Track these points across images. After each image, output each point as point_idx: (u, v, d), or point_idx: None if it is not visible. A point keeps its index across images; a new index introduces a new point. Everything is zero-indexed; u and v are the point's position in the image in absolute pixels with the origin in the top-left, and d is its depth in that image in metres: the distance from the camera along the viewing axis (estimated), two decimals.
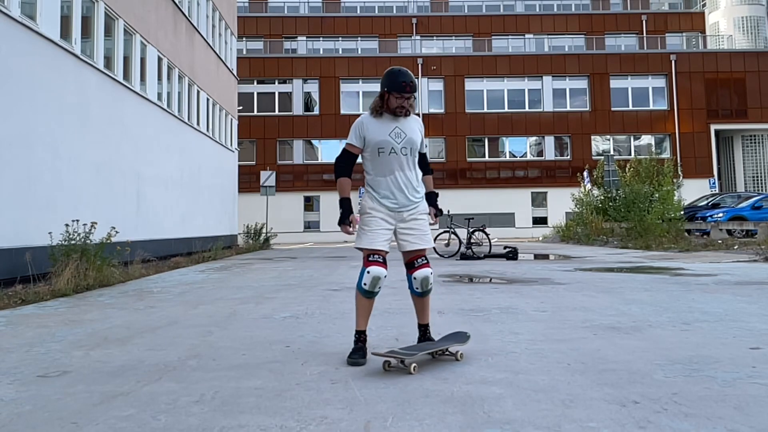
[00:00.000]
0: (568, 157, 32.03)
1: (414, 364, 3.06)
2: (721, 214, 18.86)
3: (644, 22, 35.33)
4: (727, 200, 21.45)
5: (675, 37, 35.53)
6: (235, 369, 3.18)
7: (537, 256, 14.02)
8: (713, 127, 31.78)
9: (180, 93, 15.84)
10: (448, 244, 13.41)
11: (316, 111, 32.24)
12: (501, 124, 31.99)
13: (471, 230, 13.31)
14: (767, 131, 32.41)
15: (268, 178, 22.07)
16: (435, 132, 31.10)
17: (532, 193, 32.03)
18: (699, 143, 31.61)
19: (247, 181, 27.30)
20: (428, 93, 32.07)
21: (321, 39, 35.20)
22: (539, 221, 31.31)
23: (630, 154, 30.27)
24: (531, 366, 3.15)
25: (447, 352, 3.35)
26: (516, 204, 31.54)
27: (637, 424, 2.24)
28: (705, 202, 22.06)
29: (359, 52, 34.19)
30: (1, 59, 7.95)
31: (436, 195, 3.63)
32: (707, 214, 19.27)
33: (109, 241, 8.26)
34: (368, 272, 3.28)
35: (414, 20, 35.06)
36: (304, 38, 35.07)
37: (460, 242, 13.16)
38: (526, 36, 35.20)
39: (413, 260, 3.39)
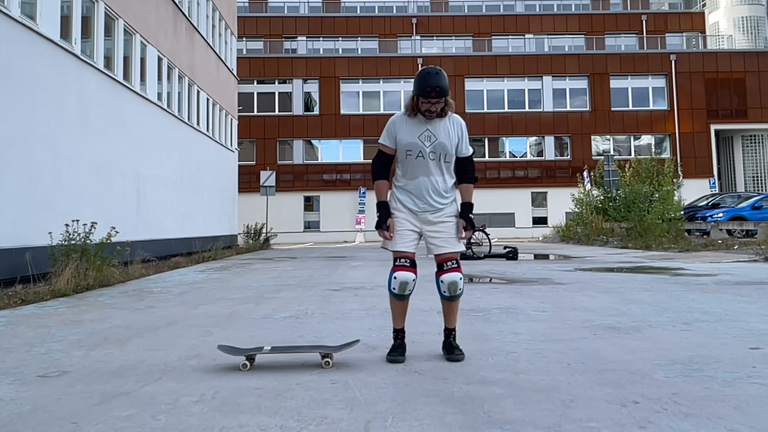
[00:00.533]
0: (568, 157, 32.03)
1: (244, 362, 3.12)
2: (721, 214, 18.86)
3: (644, 22, 35.32)
4: (727, 200, 21.45)
5: (675, 37, 35.52)
6: (235, 369, 3.18)
7: (537, 256, 14.02)
8: (713, 127, 31.77)
9: (180, 93, 15.84)
10: None
11: (316, 111, 32.23)
12: (501, 124, 31.99)
13: None
14: (767, 131, 32.41)
15: (268, 178, 22.08)
16: None
17: (532, 193, 32.02)
18: (699, 143, 31.60)
19: (247, 181, 27.30)
20: None
21: (321, 39, 35.18)
22: (539, 221, 31.31)
23: (630, 154, 30.27)
24: (531, 366, 3.15)
25: (324, 359, 3.21)
26: (516, 204, 31.53)
27: (637, 424, 2.24)
28: (705, 202, 22.06)
29: (359, 52, 34.18)
30: (1, 59, 7.95)
31: (471, 206, 3.36)
32: (707, 214, 19.27)
33: (109, 241, 8.26)
34: (395, 277, 3.26)
35: (414, 20, 35.05)
36: (304, 38, 35.06)
37: None
38: (526, 36, 35.19)
39: (443, 263, 3.30)
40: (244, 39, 32.98)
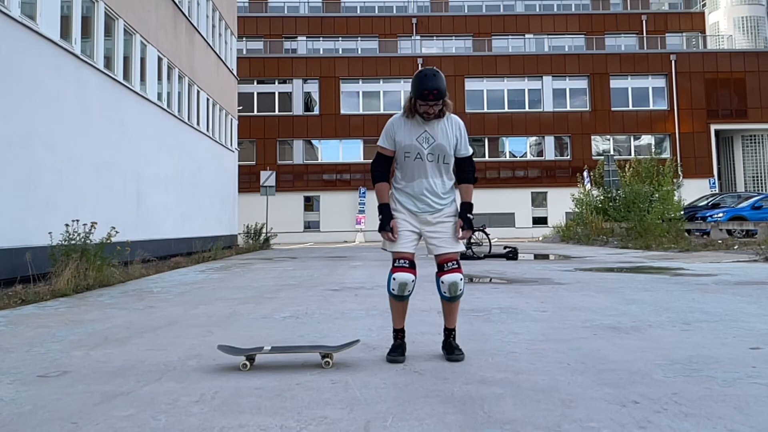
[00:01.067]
0: (568, 157, 32.03)
1: (244, 362, 3.13)
2: (721, 214, 18.86)
3: (644, 22, 35.32)
4: (727, 200, 21.45)
5: (675, 37, 35.52)
6: (235, 369, 3.18)
7: (537, 256, 14.02)
8: (713, 127, 31.77)
9: (180, 93, 15.84)
10: None
11: (316, 111, 32.23)
12: (501, 124, 31.99)
13: None
14: (767, 131, 32.41)
15: (268, 178, 22.07)
16: None
17: (532, 193, 32.02)
18: (699, 143, 31.60)
19: (247, 181, 27.30)
20: None
21: (321, 39, 35.19)
22: (539, 221, 31.31)
23: (630, 154, 30.27)
24: (531, 366, 3.15)
25: (324, 359, 3.22)
26: (516, 204, 31.53)
27: (637, 424, 2.24)
28: (705, 202, 22.06)
29: (359, 52, 34.18)
30: (1, 59, 7.95)
31: (470, 206, 3.34)
32: (707, 214, 19.27)
33: (109, 241, 8.26)
34: (394, 278, 3.26)
35: (414, 20, 35.05)
36: (304, 38, 35.06)
37: None
38: (526, 36, 35.20)
39: (443, 264, 3.30)
40: (244, 39, 32.98)
